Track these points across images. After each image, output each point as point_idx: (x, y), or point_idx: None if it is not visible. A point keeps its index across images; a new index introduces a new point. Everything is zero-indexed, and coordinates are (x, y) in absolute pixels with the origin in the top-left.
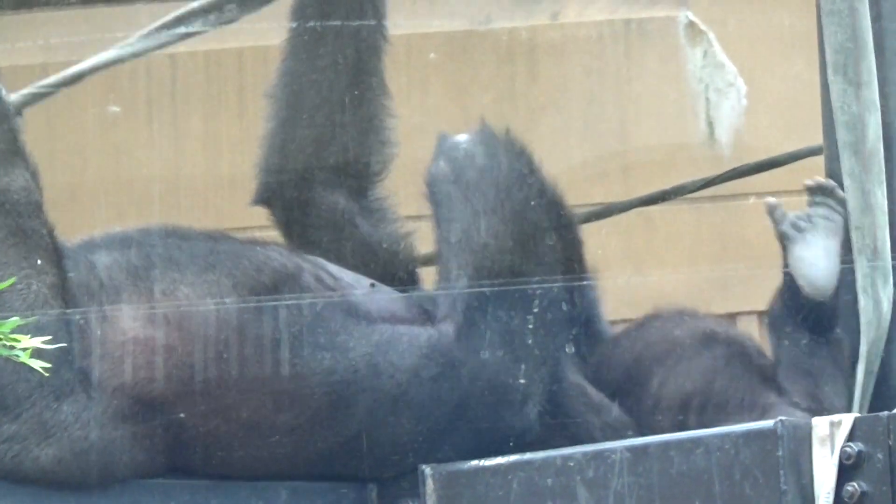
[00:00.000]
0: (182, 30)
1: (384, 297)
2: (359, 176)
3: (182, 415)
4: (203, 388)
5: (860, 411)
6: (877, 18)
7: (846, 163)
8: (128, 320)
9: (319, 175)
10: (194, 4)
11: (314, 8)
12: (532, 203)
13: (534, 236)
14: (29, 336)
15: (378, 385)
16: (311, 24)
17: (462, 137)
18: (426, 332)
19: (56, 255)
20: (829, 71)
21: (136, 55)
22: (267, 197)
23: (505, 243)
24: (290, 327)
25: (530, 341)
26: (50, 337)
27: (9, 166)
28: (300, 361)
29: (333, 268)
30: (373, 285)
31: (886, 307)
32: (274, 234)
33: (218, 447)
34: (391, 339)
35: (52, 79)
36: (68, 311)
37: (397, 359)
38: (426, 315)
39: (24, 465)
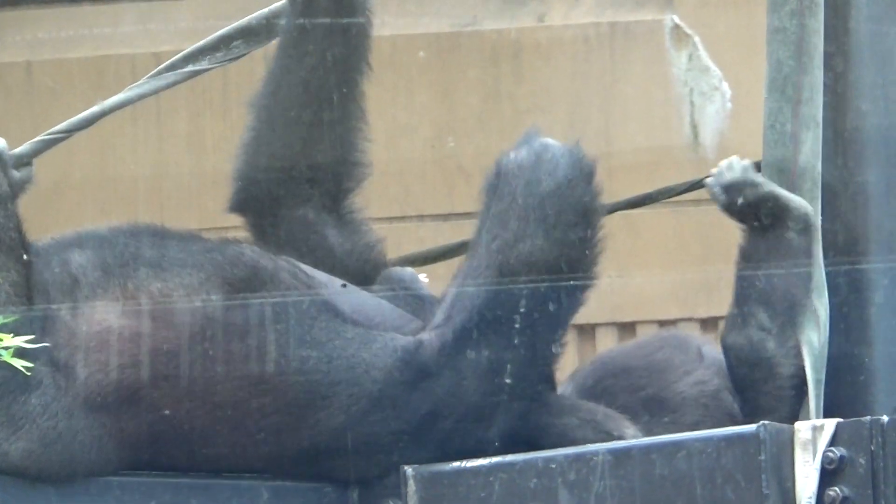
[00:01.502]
0: (190, 68)
1: (357, 298)
2: (330, 192)
3: (152, 407)
4: (175, 378)
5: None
6: (845, 20)
7: (772, 180)
8: (100, 313)
9: (291, 187)
10: (201, 43)
11: (295, 23)
12: (583, 240)
13: (568, 276)
14: (11, 335)
15: (350, 384)
16: (291, 32)
17: (553, 142)
18: (402, 339)
19: (22, 251)
20: (765, 88)
21: (144, 96)
22: (240, 205)
23: (540, 271)
24: (262, 321)
25: (516, 370)
26: (33, 336)
27: None
28: (271, 355)
29: (306, 266)
30: (344, 286)
31: (824, 317)
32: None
33: (195, 439)
34: (364, 341)
35: (62, 125)
36: (39, 306)
37: (371, 359)
38: (402, 316)
39: None
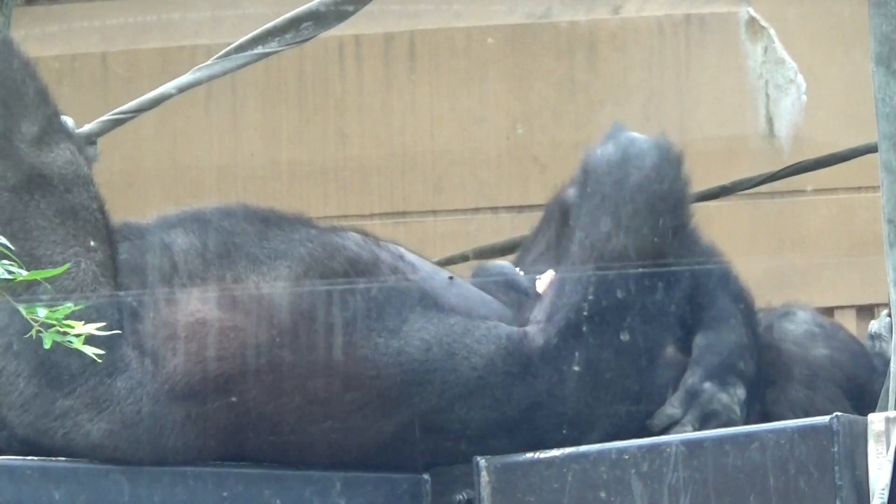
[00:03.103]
0: (259, 50)
1: (463, 290)
2: None
3: (241, 399)
4: (269, 372)
5: None
6: None
7: (884, 155)
8: (195, 303)
9: None
10: (270, 24)
11: None
12: (675, 229)
13: (664, 264)
14: (83, 322)
15: (448, 371)
16: None
17: (639, 135)
18: (507, 328)
19: (107, 230)
20: (872, 62)
21: (213, 77)
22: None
23: (634, 264)
24: (358, 316)
25: (617, 369)
26: (104, 323)
27: (51, 143)
28: (370, 347)
29: (413, 257)
30: (451, 279)
31: None
32: (338, 224)
33: (277, 430)
34: (467, 328)
35: (130, 105)
36: (127, 293)
37: (474, 346)
38: (507, 312)
39: (76, 441)
